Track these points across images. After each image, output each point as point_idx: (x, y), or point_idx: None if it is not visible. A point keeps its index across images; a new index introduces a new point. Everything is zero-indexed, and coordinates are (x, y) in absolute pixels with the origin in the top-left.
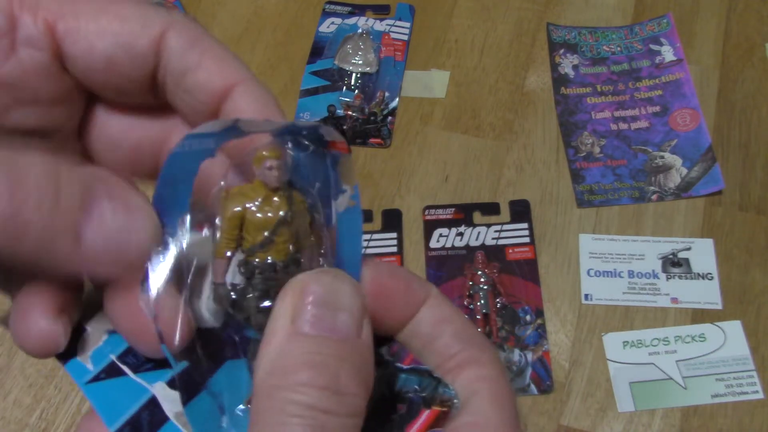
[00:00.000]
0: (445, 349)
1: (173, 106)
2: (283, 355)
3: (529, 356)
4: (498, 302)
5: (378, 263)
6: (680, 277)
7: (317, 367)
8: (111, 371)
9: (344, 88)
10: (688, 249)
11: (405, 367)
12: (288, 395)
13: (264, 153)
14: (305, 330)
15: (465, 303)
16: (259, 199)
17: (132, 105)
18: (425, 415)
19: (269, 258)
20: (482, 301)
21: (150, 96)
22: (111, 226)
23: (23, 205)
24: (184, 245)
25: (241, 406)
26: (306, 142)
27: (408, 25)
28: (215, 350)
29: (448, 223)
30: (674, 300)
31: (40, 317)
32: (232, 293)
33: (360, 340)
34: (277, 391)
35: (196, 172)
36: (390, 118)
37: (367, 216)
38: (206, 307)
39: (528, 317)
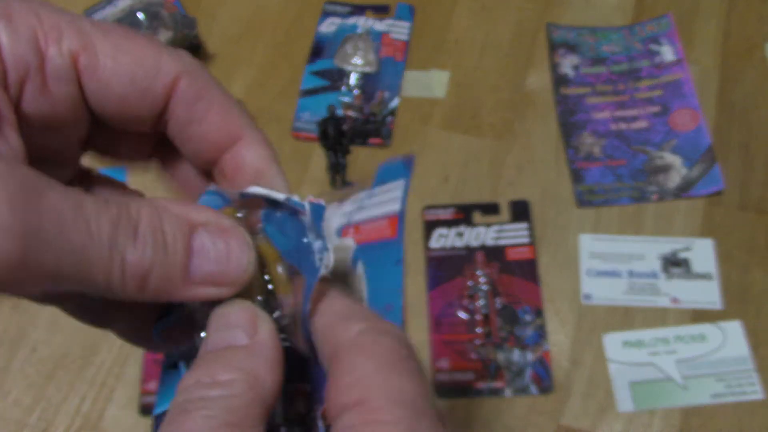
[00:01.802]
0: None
1: (173, 142)
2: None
3: (529, 356)
4: (498, 302)
5: (333, 297)
6: (680, 277)
7: (206, 369)
8: None
9: (344, 88)
10: (688, 249)
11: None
12: (202, 393)
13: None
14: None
15: (465, 303)
16: None
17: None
18: None
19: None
20: (482, 301)
21: (154, 129)
22: (213, 256)
23: (142, 262)
24: None
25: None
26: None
27: (408, 25)
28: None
29: (448, 223)
30: (674, 300)
31: None
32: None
33: (257, 341)
34: (195, 391)
35: None
36: (390, 118)
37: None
38: None
39: (528, 317)
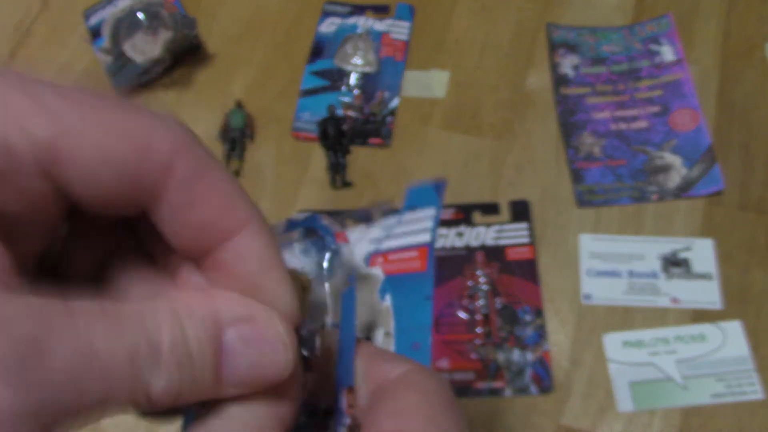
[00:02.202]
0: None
1: (158, 226)
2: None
3: (529, 356)
4: (498, 302)
5: (368, 344)
6: (680, 277)
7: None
8: None
9: (344, 88)
10: (688, 249)
11: None
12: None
13: None
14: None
15: (465, 303)
16: None
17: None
18: None
19: None
20: (482, 301)
21: (139, 212)
22: (246, 361)
23: (170, 387)
24: None
25: None
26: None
27: (408, 25)
28: None
29: (448, 223)
30: (674, 300)
31: None
32: None
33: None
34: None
35: None
36: (390, 118)
37: (367, 216)
38: None
39: (528, 317)
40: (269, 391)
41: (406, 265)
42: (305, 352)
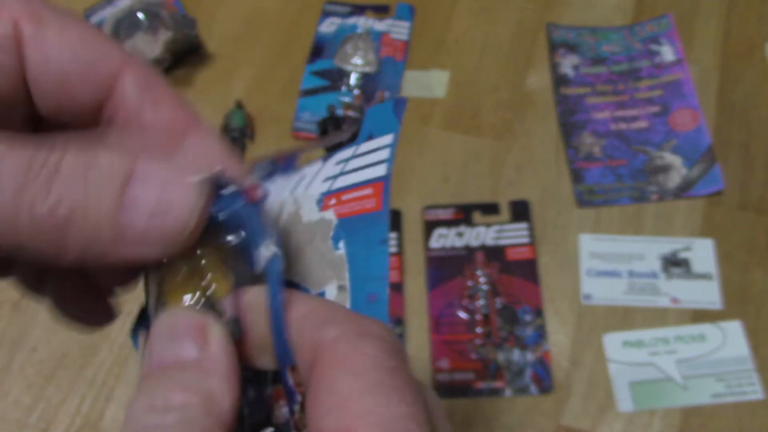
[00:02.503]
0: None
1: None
2: (135, 393)
3: (529, 356)
4: (498, 302)
5: (305, 301)
6: (680, 277)
7: (156, 393)
8: None
9: (344, 88)
10: (688, 249)
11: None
12: (157, 420)
13: None
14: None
15: (465, 303)
16: None
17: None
18: None
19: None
20: (482, 301)
21: (87, 124)
22: (149, 208)
23: (56, 210)
24: None
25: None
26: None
27: (408, 25)
28: None
29: (448, 223)
30: (674, 300)
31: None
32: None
33: (209, 354)
34: (149, 417)
35: None
36: None
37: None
38: None
39: (528, 317)
40: (202, 394)
41: (361, 204)
42: (231, 333)
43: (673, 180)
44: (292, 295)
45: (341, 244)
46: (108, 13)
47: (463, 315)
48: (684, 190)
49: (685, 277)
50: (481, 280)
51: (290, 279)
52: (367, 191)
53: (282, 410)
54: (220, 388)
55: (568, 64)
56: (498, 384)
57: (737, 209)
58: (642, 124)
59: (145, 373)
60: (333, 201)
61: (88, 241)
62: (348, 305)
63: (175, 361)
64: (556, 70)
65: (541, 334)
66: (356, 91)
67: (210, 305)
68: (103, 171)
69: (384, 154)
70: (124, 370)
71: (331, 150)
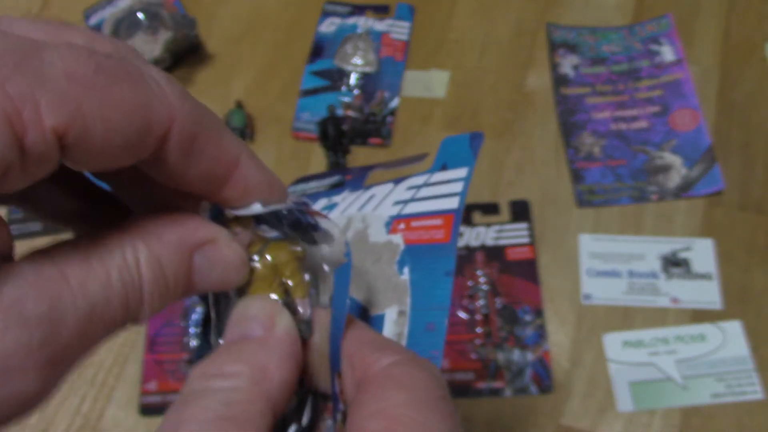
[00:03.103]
0: None
1: (164, 183)
2: (210, 361)
3: (529, 356)
4: (498, 302)
5: (360, 326)
6: (680, 277)
7: (215, 361)
8: None
9: (344, 88)
10: (688, 249)
11: None
12: (206, 384)
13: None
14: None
15: (465, 303)
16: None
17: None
18: None
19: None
20: (482, 301)
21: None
22: (210, 279)
23: (154, 309)
24: None
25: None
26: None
27: (408, 25)
28: None
29: None
30: (674, 300)
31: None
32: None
33: (273, 335)
34: (199, 382)
35: None
36: (390, 118)
37: (395, 165)
38: None
39: (528, 317)
40: (255, 366)
41: (429, 234)
42: (301, 331)
43: (673, 180)
44: (357, 321)
45: (406, 270)
46: (108, 13)
47: (463, 315)
48: (684, 190)
49: (685, 277)
50: (481, 280)
51: (351, 296)
52: (437, 221)
53: (326, 423)
54: (275, 364)
55: (568, 64)
56: (498, 384)
57: (737, 209)
58: (642, 124)
59: (215, 349)
60: (402, 226)
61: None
62: (406, 330)
63: (241, 337)
64: (556, 70)
65: (541, 334)
66: (356, 91)
67: (286, 302)
68: (175, 256)
69: (457, 187)
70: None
71: (398, 164)
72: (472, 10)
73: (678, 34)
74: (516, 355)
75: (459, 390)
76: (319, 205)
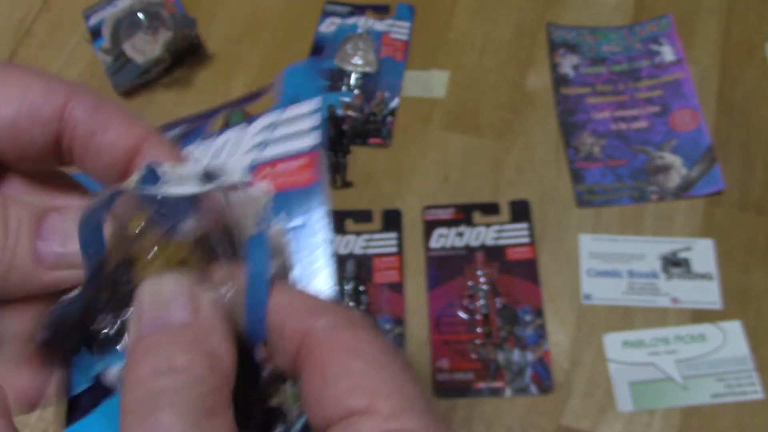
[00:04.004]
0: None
1: (83, 169)
2: (132, 358)
3: (529, 356)
4: (498, 302)
5: (285, 289)
6: (680, 277)
7: (159, 355)
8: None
9: (344, 88)
10: (688, 249)
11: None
12: (162, 383)
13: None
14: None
15: (465, 303)
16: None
17: (34, 171)
18: None
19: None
20: (482, 301)
21: (54, 162)
22: (60, 237)
23: None
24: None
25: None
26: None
27: (408, 25)
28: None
29: (448, 223)
30: (674, 300)
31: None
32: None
33: (203, 316)
34: (152, 382)
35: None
36: (390, 118)
37: (367, 216)
38: None
39: (528, 317)
40: (205, 352)
41: (294, 178)
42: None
43: (673, 180)
44: (283, 284)
45: (282, 220)
46: (108, 13)
47: (463, 315)
48: (684, 190)
49: (685, 277)
50: (481, 280)
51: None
52: (298, 163)
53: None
54: (221, 347)
55: (568, 64)
56: (498, 384)
57: (737, 209)
58: (642, 124)
59: (137, 338)
60: (268, 170)
61: (11, 272)
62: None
63: (166, 324)
64: (556, 70)
65: (541, 334)
66: (356, 91)
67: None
68: (21, 209)
69: (314, 120)
70: None
71: (239, 104)
72: (472, 10)
73: (678, 34)
74: (516, 355)
75: (459, 390)
76: None
